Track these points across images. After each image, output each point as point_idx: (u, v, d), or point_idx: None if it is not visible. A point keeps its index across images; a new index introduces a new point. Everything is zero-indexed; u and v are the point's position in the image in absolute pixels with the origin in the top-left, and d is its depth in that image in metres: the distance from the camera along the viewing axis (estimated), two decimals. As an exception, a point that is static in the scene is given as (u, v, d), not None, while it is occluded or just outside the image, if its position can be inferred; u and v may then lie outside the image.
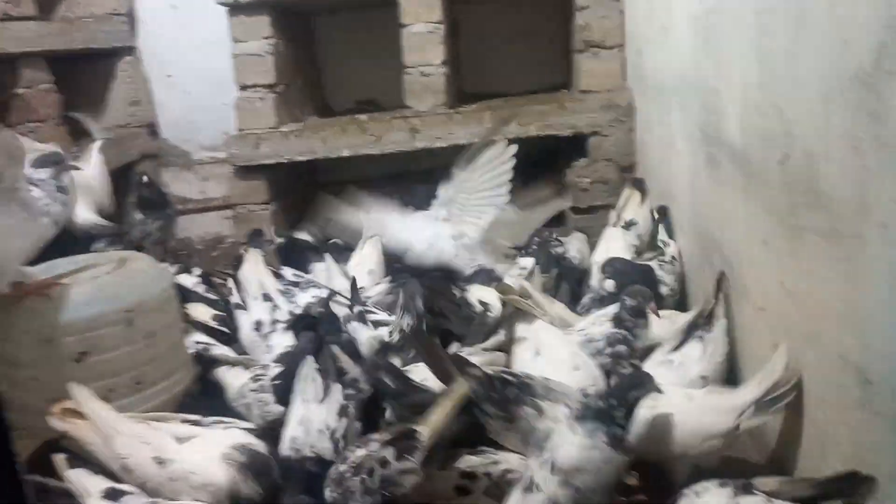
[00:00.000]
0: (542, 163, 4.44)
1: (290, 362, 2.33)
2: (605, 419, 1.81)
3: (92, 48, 4.43)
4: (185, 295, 3.08)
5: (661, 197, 3.40)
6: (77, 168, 2.43)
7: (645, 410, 2.06)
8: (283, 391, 2.27)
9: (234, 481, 2.04)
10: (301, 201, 4.49)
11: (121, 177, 4.63)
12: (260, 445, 2.13)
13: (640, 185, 3.67)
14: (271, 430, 2.24)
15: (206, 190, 5.15)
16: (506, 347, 2.54)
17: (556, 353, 2.39)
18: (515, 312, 2.51)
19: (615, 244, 3.34)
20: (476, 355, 2.43)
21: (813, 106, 1.66)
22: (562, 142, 4.24)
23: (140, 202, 4.37)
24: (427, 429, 2.00)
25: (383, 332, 2.64)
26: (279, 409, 2.31)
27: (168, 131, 5.14)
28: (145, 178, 4.21)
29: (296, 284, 3.10)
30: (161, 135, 5.13)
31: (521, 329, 2.46)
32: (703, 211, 2.73)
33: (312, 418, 2.19)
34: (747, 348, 2.31)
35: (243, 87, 4.14)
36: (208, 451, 2.09)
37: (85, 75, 4.66)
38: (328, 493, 1.98)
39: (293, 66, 4.38)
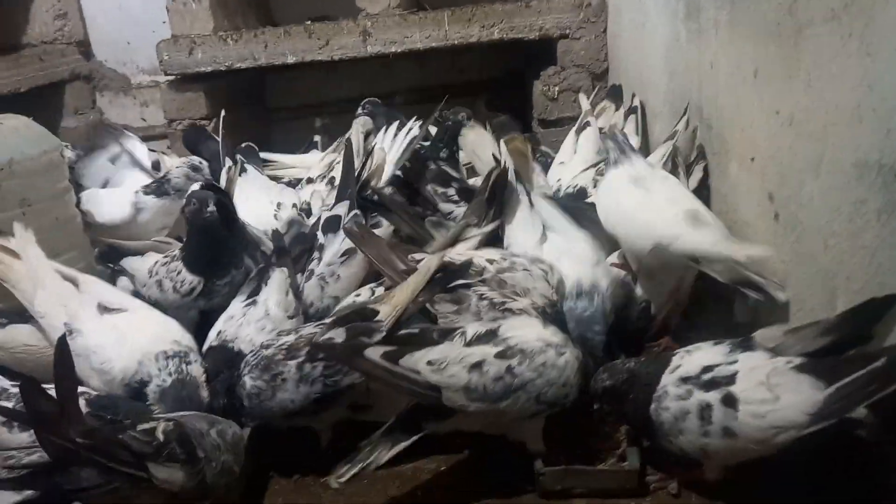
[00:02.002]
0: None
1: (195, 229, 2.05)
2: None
3: (8, -51, 3.98)
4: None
5: (635, 94, 3.07)
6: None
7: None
8: (194, 258, 2.02)
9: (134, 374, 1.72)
10: (248, 124, 4.10)
11: (51, 96, 4.24)
12: (193, 362, 1.79)
13: (617, 93, 3.33)
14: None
15: (147, 116, 4.73)
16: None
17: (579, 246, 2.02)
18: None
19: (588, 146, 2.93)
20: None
21: None
22: (528, 53, 3.93)
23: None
24: (388, 308, 1.62)
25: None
26: (192, 277, 2.02)
27: (102, 52, 4.70)
28: None
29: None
30: (95, 56, 4.68)
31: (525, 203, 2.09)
32: (681, 81, 2.41)
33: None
34: (734, 211, 1.99)
35: (176, -13, 3.74)
36: (128, 334, 1.78)
37: (4, -15, 4.21)
38: (249, 382, 1.65)
39: (233, -31, 3.98)
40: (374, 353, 1.52)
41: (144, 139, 4.82)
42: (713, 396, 1.41)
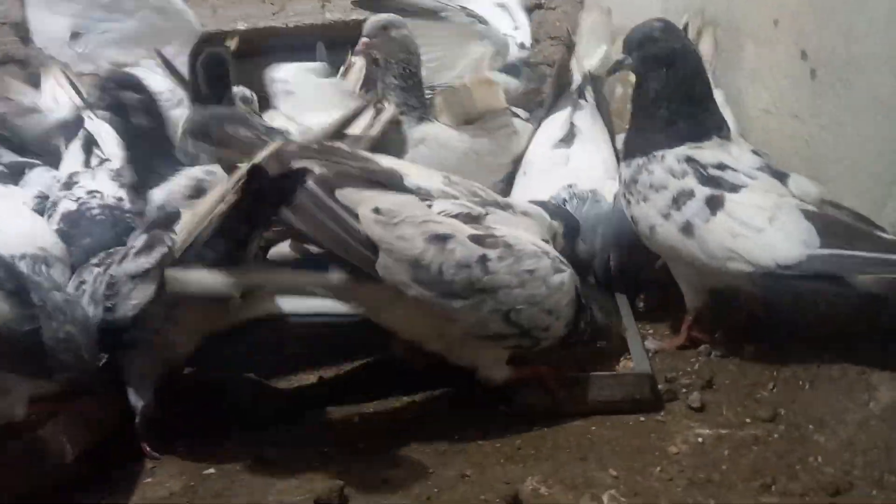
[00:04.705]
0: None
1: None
2: None
3: None
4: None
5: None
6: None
7: None
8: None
9: None
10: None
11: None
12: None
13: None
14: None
15: (86, 106, 4.33)
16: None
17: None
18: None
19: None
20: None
21: None
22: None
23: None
24: (188, 219, 1.13)
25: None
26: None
27: (42, 39, 4.33)
28: None
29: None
30: (34, 42, 4.32)
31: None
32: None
33: None
34: (753, 104, 1.66)
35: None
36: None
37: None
38: (70, 282, 1.25)
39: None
40: (308, 165, 1.08)
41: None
42: (702, 190, 1.20)
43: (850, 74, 1.29)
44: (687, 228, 1.20)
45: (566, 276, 1.16)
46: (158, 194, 1.46)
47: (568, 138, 1.68)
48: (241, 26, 3.40)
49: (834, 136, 1.35)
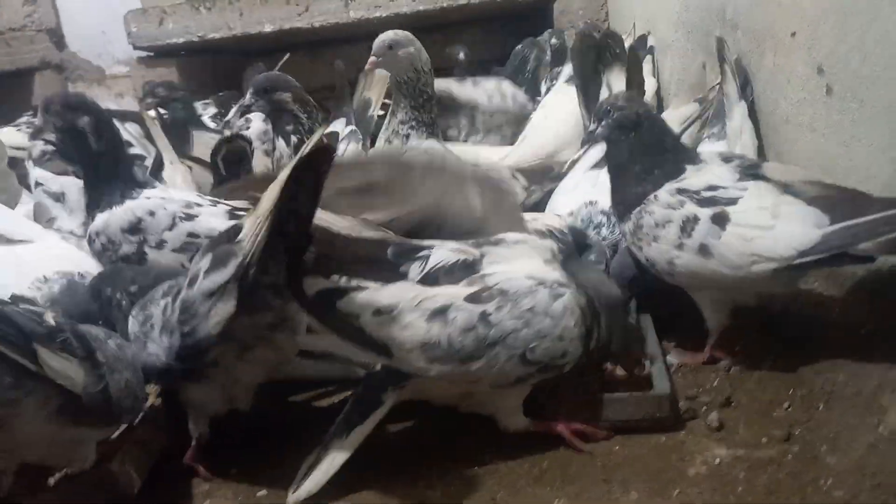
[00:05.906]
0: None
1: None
2: None
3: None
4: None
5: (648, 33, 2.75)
6: None
7: None
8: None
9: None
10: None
11: (18, 84, 4.00)
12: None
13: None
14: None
15: (122, 107, 4.45)
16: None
17: None
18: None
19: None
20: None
21: None
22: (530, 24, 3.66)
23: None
24: (251, 223, 1.11)
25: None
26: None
27: (76, 43, 4.46)
28: None
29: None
30: (68, 46, 4.45)
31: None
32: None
33: None
34: (772, 113, 1.67)
35: (146, -45, 3.51)
36: (28, 261, 1.54)
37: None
38: (131, 320, 1.27)
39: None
40: (311, 287, 1.13)
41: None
42: (704, 212, 1.29)
43: (865, 92, 1.30)
44: (704, 250, 1.27)
45: (566, 298, 1.17)
46: (100, 219, 1.55)
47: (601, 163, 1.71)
48: (268, 28, 3.49)
49: (849, 150, 1.37)
